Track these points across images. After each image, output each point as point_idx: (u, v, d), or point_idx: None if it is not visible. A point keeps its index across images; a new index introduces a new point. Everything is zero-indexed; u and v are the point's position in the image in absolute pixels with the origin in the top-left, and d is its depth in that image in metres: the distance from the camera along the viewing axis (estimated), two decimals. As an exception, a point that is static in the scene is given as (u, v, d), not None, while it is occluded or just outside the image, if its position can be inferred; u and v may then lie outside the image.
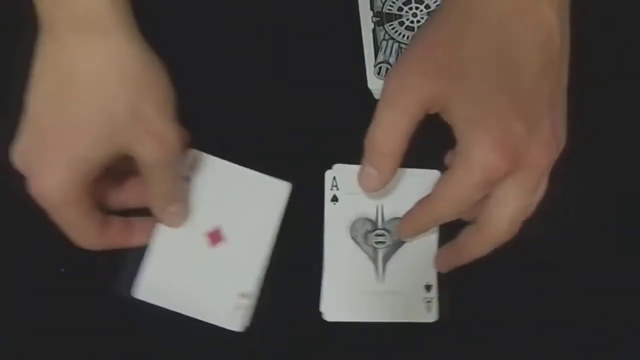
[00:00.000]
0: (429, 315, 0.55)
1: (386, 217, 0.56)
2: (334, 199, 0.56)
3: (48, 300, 0.55)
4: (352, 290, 0.55)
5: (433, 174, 0.56)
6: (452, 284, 0.55)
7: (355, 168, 0.51)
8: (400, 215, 0.54)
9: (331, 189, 0.56)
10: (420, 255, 0.55)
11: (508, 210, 0.48)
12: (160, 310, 0.54)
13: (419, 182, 0.54)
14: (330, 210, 0.56)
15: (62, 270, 0.56)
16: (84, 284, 0.55)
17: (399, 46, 0.58)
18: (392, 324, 0.55)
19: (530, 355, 0.55)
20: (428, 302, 0.55)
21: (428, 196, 0.50)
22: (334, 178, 0.56)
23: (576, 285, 0.56)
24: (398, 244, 0.56)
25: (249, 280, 0.55)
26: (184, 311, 0.54)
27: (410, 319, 0.55)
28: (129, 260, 0.55)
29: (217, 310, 0.54)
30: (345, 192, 0.56)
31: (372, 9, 0.59)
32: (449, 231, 0.53)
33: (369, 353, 0.55)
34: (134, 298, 0.54)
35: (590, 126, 0.55)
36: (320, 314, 0.55)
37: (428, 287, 0.55)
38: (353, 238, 0.56)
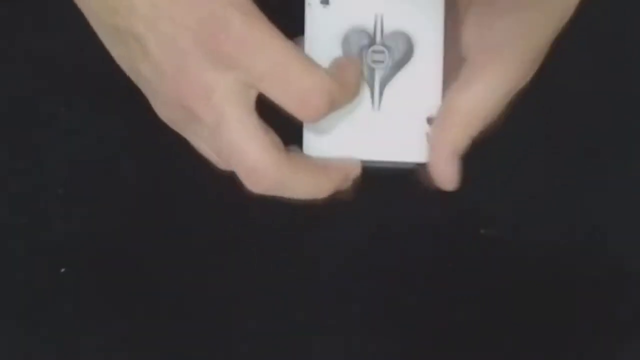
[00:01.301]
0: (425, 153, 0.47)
1: (386, 30, 0.47)
2: (324, 0, 0.47)
3: (48, 300, 0.55)
4: (341, 120, 0.47)
5: None
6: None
7: None
8: (405, 29, 0.46)
9: None
10: (426, 80, 0.47)
11: None
12: (159, 310, 0.54)
13: None
14: (318, 14, 0.47)
15: (62, 270, 0.56)
16: (84, 284, 0.56)
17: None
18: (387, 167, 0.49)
19: (530, 354, 0.55)
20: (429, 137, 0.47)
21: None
22: None
23: (575, 285, 0.56)
24: (400, 65, 0.47)
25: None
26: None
27: (406, 157, 0.47)
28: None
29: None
30: None
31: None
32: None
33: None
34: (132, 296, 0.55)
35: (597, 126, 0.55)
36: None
37: (430, 120, 0.47)
38: (345, 54, 0.47)
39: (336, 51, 0.46)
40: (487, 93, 0.45)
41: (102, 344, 0.55)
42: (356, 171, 0.47)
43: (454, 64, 0.47)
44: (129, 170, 0.57)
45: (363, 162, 0.47)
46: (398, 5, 0.46)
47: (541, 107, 0.58)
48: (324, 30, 0.47)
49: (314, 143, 0.47)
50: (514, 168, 0.56)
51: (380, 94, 0.47)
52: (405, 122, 0.47)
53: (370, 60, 0.47)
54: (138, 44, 0.42)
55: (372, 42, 0.47)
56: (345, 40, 0.47)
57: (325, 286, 0.56)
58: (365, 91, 0.47)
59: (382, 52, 0.47)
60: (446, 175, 0.47)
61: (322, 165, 0.46)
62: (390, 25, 0.47)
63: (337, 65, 0.45)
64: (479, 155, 0.57)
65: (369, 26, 0.47)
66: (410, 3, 0.46)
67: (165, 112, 0.45)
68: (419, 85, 0.47)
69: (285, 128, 0.47)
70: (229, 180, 0.57)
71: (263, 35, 0.41)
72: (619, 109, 0.58)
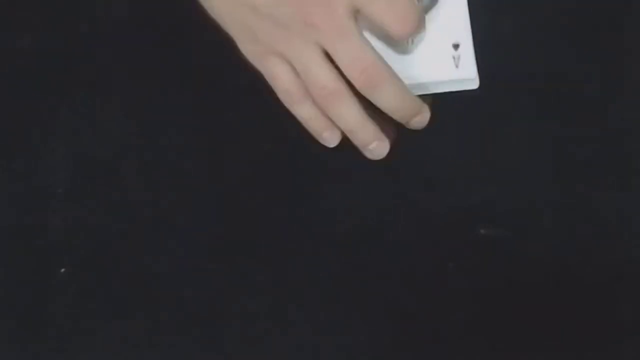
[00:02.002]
0: (457, 71, 0.55)
1: None
2: None
3: (48, 300, 0.55)
4: (384, 52, 0.55)
5: None
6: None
7: None
8: None
9: None
10: (451, 16, 0.55)
11: None
12: (159, 310, 0.54)
13: None
14: None
15: (62, 270, 0.56)
16: (84, 284, 0.56)
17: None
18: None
19: (530, 354, 0.55)
20: (455, 58, 0.55)
21: None
22: None
23: (575, 285, 0.56)
24: (427, 8, 0.56)
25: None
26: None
27: (437, 77, 0.55)
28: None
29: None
30: None
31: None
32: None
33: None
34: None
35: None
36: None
37: (456, 46, 0.55)
38: None
39: None
40: None
41: (102, 344, 0.55)
42: (427, 113, 0.56)
43: None
44: (129, 170, 0.57)
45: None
46: None
47: (541, 108, 0.58)
48: None
49: None
50: (514, 168, 0.56)
51: None
52: (434, 50, 0.55)
53: None
54: None
55: None
56: None
57: (325, 286, 0.56)
58: None
59: None
60: None
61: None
62: None
63: None
64: (479, 155, 0.57)
65: None
66: None
67: (268, 36, 0.54)
68: (446, 21, 0.55)
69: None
70: (229, 180, 0.58)
71: None
72: (620, 109, 0.58)
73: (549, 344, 0.55)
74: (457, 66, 0.55)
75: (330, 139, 0.56)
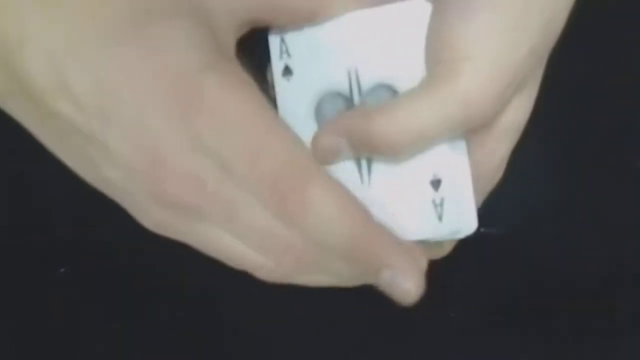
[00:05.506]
0: (440, 226, 0.38)
1: (364, 87, 0.37)
2: (287, 71, 0.38)
3: (48, 300, 0.55)
4: None
5: (421, 6, 0.37)
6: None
7: (310, 31, 0.36)
8: (386, 79, 0.37)
9: (280, 58, 0.38)
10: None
11: None
12: (159, 310, 0.54)
13: (402, 21, 0.36)
14: (283, 88, 0.38)
15: (62, 270, 0.56)
16: (84, 284, 0.56)
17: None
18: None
19: (530, 354, 0.55)
20: (437, 205, 0.37)
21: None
22: (282, 40, 0.38)
23: (575, 284, 0.56)
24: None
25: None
26: None
27: (413, 234, 0.38)
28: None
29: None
30: (302, 58, 0.38)
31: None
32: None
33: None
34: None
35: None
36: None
37: (435, 183, 0.37)
38: (320, 125, 0.38)
39: (310, 125, 0.38)
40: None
41: (102, 344, 0.55)
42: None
43: None
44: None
45: None
46: (373, 54, 0.37)
47: (541, 107, 0.58)
48: (292, 102, 0.38)
49: None
50: (514, 167, 0.56)
51: (369, 165, 0.38)
52: (407, 193, 0.38)
53: None
54: (94, 145, 0.35)
55: (350, 104, 0.38)
56: (318, 110, 0.38)
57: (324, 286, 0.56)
58: (350, 166, 0.38)
59: None
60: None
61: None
62: (368, 80, 0.38)
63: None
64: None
65: (344, 87, 0.38)
66: (387, 47, 0.37)
67: (156, 218, 0.37)
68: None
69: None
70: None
71: (242, 109, 0.33)
72: (620, 109, 0.58)
73: (548, 343, 0.55)
74: (440, 218, 0.37)
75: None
